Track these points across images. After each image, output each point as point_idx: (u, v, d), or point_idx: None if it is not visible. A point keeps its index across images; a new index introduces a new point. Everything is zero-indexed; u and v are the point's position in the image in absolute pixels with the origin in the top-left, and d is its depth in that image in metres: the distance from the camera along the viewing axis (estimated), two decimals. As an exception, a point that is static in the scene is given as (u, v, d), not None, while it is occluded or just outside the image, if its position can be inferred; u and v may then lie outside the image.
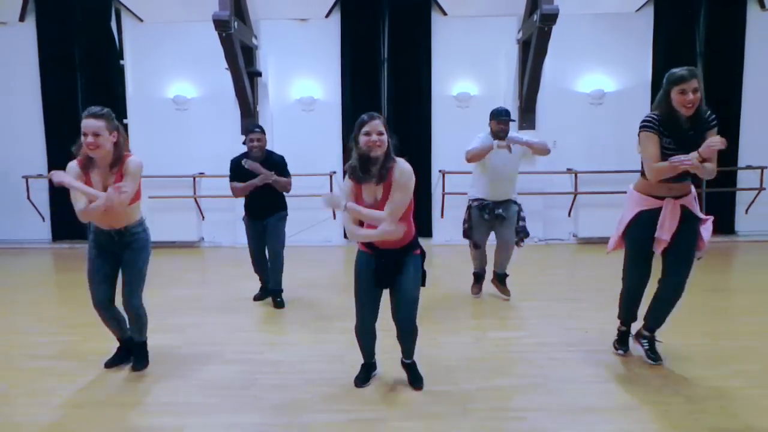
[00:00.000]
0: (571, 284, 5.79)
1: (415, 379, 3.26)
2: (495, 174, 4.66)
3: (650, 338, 3.52)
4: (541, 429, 2.76)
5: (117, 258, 3.38)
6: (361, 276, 3.05)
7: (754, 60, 7.79)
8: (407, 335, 3.16)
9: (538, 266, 6.35)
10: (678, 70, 3.05)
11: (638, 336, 3.60)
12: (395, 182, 2.85)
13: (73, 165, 3.21)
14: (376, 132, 2.81)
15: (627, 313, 3.62)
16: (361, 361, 3.34)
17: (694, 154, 3.01)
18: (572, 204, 7.87)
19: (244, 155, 4.72)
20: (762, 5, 7.73)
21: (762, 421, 2.78)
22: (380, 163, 2.85)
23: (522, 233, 4.87)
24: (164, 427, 2.82)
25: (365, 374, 3.32)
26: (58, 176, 3.08)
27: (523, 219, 4.89)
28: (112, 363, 3.57)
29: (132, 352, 3.60)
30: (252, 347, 3.95)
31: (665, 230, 3.24)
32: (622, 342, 3.69)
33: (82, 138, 3.10)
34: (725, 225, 7.94)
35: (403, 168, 2.87)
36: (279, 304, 4.91)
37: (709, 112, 3.17)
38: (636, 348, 3.64)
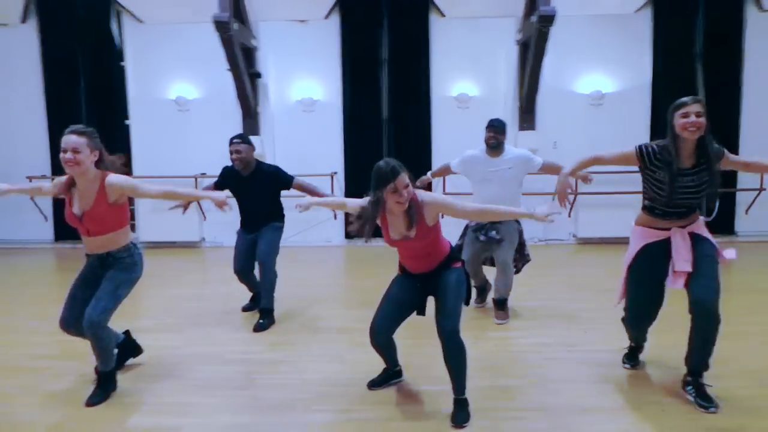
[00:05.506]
0: (571, 284, 5.79)
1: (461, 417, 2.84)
2: (492, 194, 4.22)
3: (696, 384, 2.99)
4: (541, 429, 2.77)
5: (98, 283, 3.11)
6: (399, 296, 2.94)
7: (753, 60, 7.80)
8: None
9: (538, 266, 6.32)
10: (681, 99, 2.92)
11: (684, 384, 3.07)
12: (435, 204, 2.80)
13: (59, 179, 3.11)
14: (403, 186, 2.58)
15: (636, 338, 3.44)
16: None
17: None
18: (572, 204, 7.86)
19: (231, 167, 4.40)
20: (760, 6, 7.74)
21: (761, 421, 2.78)
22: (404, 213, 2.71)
23: (524, 259, 4.58)
24: (164, 427, 2.82)
25: (383, 378, 3.23)
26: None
27: (524, 244, 4.54)
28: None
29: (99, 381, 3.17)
30: (251, 347, 3.95)
31: (682, 259, 2.94)
32: (630, 357, 3.49)
33: (61, 155, 2.93)
34: (725, 226, 7.94)
35: (425, 198, 2.77)
36: (261, 326, 4.26)
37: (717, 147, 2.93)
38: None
